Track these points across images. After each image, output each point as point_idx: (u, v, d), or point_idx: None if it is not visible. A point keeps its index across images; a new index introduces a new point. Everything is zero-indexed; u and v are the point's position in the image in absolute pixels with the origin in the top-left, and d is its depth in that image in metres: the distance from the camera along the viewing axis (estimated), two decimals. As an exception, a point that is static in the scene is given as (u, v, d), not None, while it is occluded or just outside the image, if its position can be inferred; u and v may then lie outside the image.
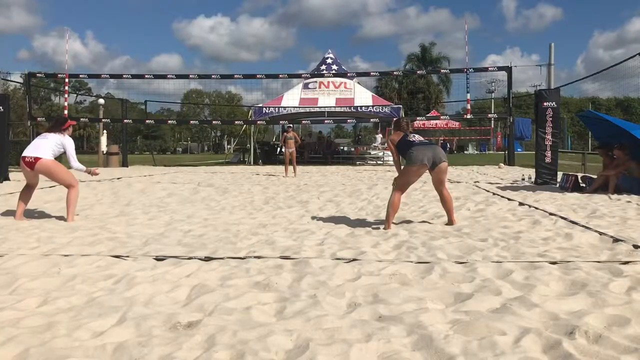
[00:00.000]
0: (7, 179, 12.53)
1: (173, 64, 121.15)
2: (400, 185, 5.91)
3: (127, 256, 4.37)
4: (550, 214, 6.79)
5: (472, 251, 4.58)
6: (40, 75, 14.13)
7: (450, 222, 6.06)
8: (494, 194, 9.47)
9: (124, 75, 13.83)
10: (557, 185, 10.64)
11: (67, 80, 12.86)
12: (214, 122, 44.26)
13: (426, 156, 5.76)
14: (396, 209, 5.89)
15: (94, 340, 2.56)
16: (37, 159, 6.42)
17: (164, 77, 16.11)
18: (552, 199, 8.63)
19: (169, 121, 45.48)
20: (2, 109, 12.18)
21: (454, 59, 63.93)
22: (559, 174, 11.22)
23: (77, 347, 2.47)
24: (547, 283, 3.53)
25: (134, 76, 14.18)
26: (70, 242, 5.00)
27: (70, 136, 6.77)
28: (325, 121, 22.43)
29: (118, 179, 13.89)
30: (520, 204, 7.95)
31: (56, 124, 6.80)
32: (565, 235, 5.28)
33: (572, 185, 9.52)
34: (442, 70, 14.54)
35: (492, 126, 46.93)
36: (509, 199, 8.51)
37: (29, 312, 2.98)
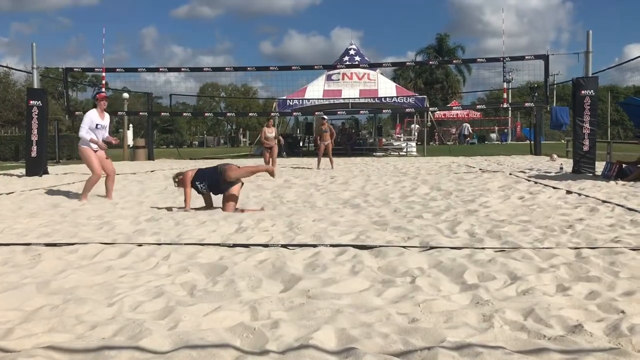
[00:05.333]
0: (47, 172, 12.73)
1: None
2: None
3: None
4: (604, 201, 6.80)
5: (544, 238, 4.61)
6: (77, 69, 14.28)
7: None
8: (535, 182, 9.46)
9: (160, 69, 13.98)
10: (596, 173, 10.61)
11: (104, 74, 13.00)
12: (228, 114, 44.35)
13: None
14: None
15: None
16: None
17: (178, 70, 16.52)
18: (597, 187, 8.61)
19: (184, 114, 45.77)
20: (40, 103, 12.34)
21: (468, 50, 63.17)
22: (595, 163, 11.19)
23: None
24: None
25: (170, 69, 14.35)
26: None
27: (102, 109, 7.76)
28: (339, 112, 22.38)
29: (152, 171, 14.04)
30: (568, 192, 7.95)
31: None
32: (631, 222, 5.30)
33: (615, 173, 9.48)
34: (478, 60, 14.32)
35: (511, 116, 46.57)
36: (554, 188, 8.51)
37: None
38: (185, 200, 6.65)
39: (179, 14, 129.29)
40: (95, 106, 7.85)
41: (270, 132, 13.74)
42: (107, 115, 7.95)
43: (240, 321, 2.66)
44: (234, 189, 6.56)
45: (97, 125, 7.71)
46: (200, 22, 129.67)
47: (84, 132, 7.62)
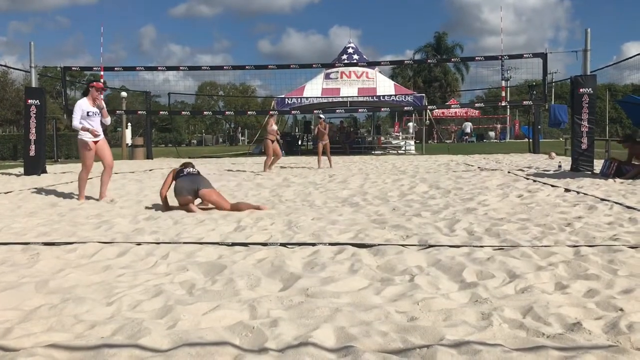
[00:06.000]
0: (45, 171, 12.71)
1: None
2: None
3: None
4: (602, 199, 6.81)
5: (543, 236, 4.62)
6: (75, 68, 14.25)
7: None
8: (534, 181, 9.47)
9: (158, 68, 13.98)
10: (593, 171, 10.63)
11: (102, 73, 12.97)
12: (226, 113, 44.19)
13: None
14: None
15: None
16: None
17: (176, 68, 16.48)
18: (595, 185, 8.63)
19: (183, 112, 45.72)
20: (39, 102, 12.32)
21: (466, 48, 63.17)
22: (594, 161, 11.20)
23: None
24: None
25: (169, 68, 14.35)
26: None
27: (94, 97, 7.56)
28: (337, 110, 22.38)
29: (150, 170, 14.03)
30: (566, 190, 7.96)
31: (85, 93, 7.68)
32: (629, 219, 5.31)
33: (614, 172, 9.49)
34: (477, 58, 14.24)
35: (509, 114, 46.63)
36: (552, 186, 8.51)
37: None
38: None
39: (177, 12, 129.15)
40: (85, 94, 7.64)
41: (274, 125, 13.31)
42: (100, 102, 7.67)
43: (239, 320, 2.67)
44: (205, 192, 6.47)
45: (87, 112, 7.49)
46: (198, 21, 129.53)
47: (76, 122, 7.46)
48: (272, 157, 13.12)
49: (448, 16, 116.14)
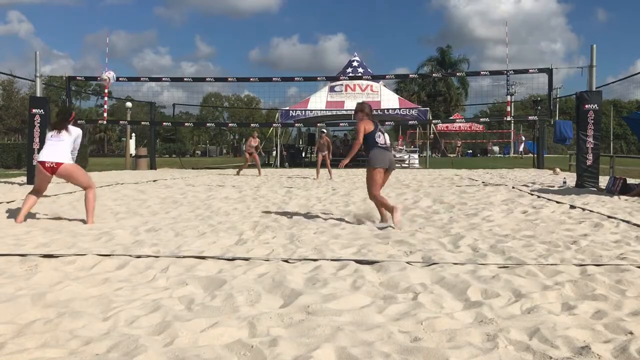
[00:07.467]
0: (48, 181, 12.68)
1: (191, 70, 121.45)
2: (374, 187, 6.22)
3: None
4: (608, 217, 6.73)
5: (548, 254, 4.54)
6: (80, 78, 14.30)
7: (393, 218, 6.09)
8: (538, 197, 9.40)
9: (163, 79, 14.00)
10: (598, 188, 10.54)
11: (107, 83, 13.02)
12: (229, 125, 44.26)
13: (386, 160, 6.19)
14: (385, 202, 6.27)
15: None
16: (58, 164, 6.22)
17: (180, 80, 16.63)
18: (601, 202, 8.55)
19: (186, 124, 45.82)
20: (43, 112, 12.34)
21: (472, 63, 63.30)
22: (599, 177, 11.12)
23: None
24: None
25: (173, 79, 14.41)
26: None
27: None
28: (341, 124, 22.38)
29: (154, 181, 14.00)
30: (572, 206, 7.88)
31: (63, 120, 6.52)
32: (636, 238, 5.23)
33: (619, 188, 9.42)
34: (482, 73, 14.24)
35: (513, 129, 46.62)
36: (557, 202, 8.44)
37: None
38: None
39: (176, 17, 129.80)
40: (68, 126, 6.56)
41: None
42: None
43: (238, 338, 2.60)
44: None
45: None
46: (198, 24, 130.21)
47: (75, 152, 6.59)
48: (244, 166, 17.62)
49: (450, 30, 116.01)
